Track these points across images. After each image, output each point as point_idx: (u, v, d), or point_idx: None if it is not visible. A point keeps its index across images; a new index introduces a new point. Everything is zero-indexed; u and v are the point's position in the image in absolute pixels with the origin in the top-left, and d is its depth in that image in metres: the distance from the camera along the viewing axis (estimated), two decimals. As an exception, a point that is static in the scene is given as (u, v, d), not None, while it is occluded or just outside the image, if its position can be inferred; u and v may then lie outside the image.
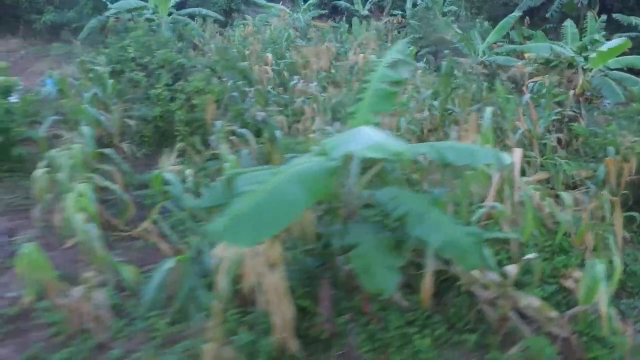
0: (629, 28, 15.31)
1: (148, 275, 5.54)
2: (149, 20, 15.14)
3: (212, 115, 8.88)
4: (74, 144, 7.08)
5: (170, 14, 16.60)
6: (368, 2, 25.29)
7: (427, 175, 6.59)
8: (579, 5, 16.77)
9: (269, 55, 14.24)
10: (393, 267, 4.23)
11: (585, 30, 12.87)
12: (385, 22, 21.78)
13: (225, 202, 4.43)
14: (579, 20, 14.07)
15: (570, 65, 10.62)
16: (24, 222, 7.10)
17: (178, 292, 4.99)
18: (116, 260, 5.71)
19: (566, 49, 10.98)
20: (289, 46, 16.41)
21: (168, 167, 7.18)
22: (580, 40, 11.93)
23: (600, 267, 4.67)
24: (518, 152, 6.42)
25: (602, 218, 6.70)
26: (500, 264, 5.40)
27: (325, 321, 4.92)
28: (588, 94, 10.28)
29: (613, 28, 15.04)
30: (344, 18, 23.22)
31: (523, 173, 7.35)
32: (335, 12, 26.41)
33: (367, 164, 4.93)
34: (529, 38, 16.22)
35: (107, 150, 7.83)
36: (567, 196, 6.45)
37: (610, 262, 5.18)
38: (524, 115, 9.22)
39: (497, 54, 14.28)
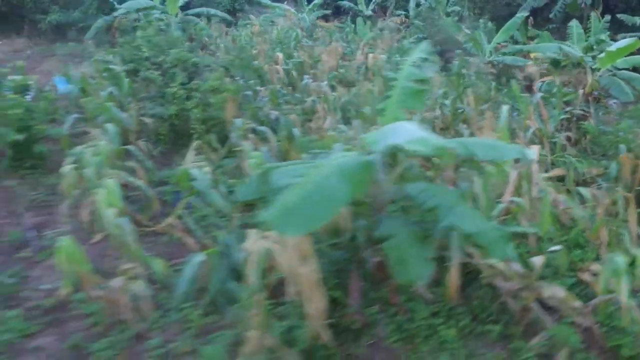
0: (633, 28, 15.48)
1: (176, 268, 5.72)
2: (158, 20, 15.25)
3: (232, 114, 9.00)
4: (99, 141, 7.19)
5: (177, 13, 16.75)
6: (371, 2, 25.44)
7: (441, 172, 6.77)
8: (583, 5, 16.92)
9: (280, 55, 14.32)
10: (426, 258, 4.37)
11: (589, 31, 13.02)
12: (388, 22, 21.94)
13: (261, 195, 4.58)
14: (582, 21, 14.18)
15: (578, 64, 10.78)
16: (50, 218, 7.24)
17: (209, 284, 5.15)
18: (145, 254, 5.84)
19: (574, 49, 11.14)
20: (297, 46, 16.55)
21: (189, 163, 7.30)
22: (586, 40, 12.09)
23: (621, 260, 4.84)
24: (535, 149, 6.57)
25: (616, 214, 6.87)
26: (521, 257, 5.57)
27: (355, 312, 5.07)
28: (596, 93, 10.43)
29: (616, 28, 15.20)
30: (349, 18, 23.34)
31: (535, 170, 7.52)
32: (338, 12, 26.57)
33: (392, 160, 5.08)
34: (533, 38, 16.35)
35: (130, 147, 7.95)
36: (585, 192, 6.60)
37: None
38: (535, 113, 9.39)
39: (504, 54, 14.44)
